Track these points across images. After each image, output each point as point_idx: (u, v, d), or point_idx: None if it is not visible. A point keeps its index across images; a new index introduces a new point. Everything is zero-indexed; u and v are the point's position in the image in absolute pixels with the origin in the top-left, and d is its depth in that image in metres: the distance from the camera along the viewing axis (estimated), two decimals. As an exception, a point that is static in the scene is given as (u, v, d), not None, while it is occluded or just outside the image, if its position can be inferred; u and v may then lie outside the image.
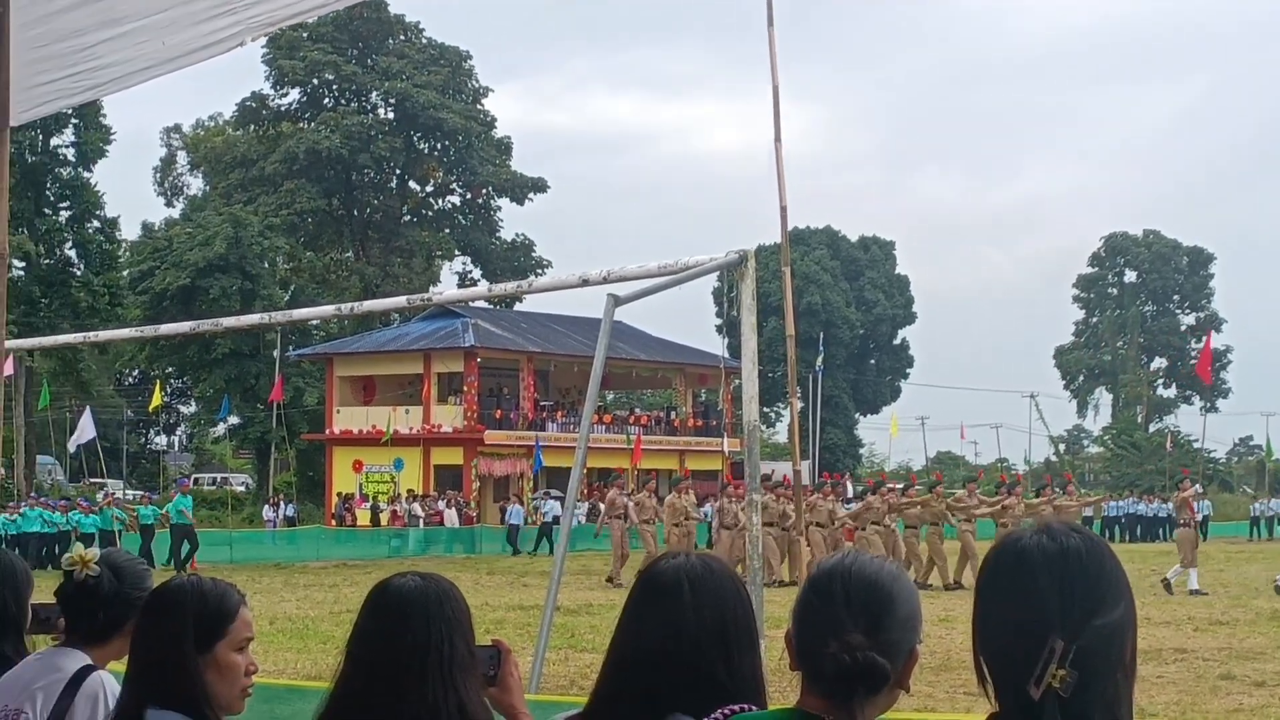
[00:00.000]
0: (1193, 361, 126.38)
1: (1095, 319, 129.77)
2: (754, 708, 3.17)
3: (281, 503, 63.60)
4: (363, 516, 64.61)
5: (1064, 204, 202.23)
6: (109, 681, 4.72)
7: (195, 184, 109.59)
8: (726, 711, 3.12)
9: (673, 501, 38.12)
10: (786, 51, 14.04)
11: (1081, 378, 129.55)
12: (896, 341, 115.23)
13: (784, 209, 14.15)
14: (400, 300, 25.22)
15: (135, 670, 4.14)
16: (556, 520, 54.19)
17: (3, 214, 6.28)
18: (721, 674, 3.30)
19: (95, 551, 4.87)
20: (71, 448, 52.11)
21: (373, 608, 3.77)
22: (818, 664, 2.96)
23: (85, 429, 49.63)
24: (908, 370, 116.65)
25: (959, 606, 25.10)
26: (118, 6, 6.36)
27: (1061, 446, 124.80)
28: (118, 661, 4.98)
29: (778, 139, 14.02)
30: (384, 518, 62.12)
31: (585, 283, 15.82)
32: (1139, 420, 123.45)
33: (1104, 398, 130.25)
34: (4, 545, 38.54)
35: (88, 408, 51.88)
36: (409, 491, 62.67)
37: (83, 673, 4.72)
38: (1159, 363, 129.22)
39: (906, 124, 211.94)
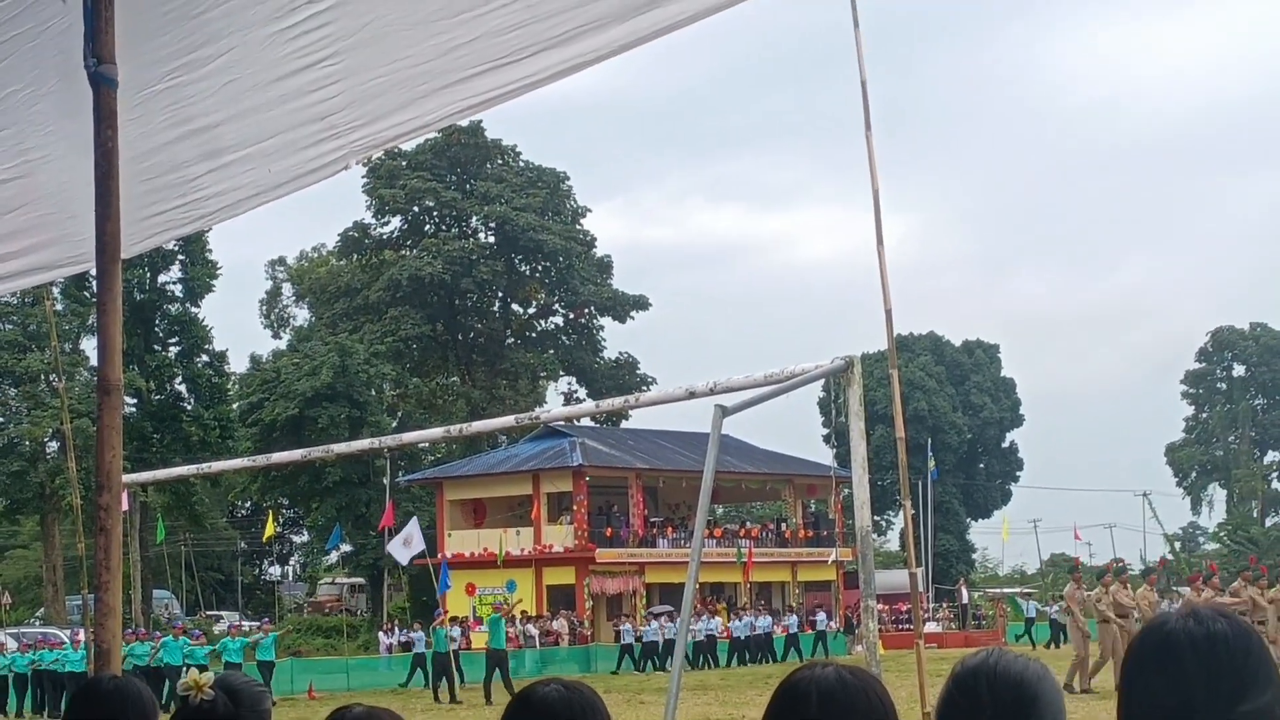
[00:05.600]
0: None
1: (1205, 414, 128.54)
2: None
3: (395, 628, 63.57)
4: (479, 639, 64.56)
5: (1168, 296, 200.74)
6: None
7: (301, 314, 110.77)
8: None
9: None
10: (884, 158, 13.99)
11: (1194, 474, 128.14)
12: (1005, 444, 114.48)
13: (889, 312, 14.07)
14: (508, 420, 25.33)
15: None
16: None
17: (117, 344, 6.32)
18: None
19: (210, 675, 4.86)
20: (404, 560, 48.16)
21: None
22: (965, 763, 2.91)
23: (415, 540, 44.35)
24: (1018, 473, 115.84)
25: (1080, 709, 24.77)
26: (222, 136, 6.46)
27: (1177, 544, 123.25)
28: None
29: (880, 242, 13.97)
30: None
31: (692, 395, 15.83)
32: (1255, 515, 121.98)
33: (1218, 493, 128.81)
34: (145, 676, 38.72)
35: (414, 518, 47.71)
36: (523, 613, 62.60)
37: (205, 800, 4.69)
38: (1272, 456, 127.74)
39: (1003, 224, 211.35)
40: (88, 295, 70.73)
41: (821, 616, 65.62)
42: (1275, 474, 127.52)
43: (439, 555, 73.53)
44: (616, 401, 21.11)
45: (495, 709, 33.97)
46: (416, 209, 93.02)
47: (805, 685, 3.38)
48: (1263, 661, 2.73)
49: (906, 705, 19.55)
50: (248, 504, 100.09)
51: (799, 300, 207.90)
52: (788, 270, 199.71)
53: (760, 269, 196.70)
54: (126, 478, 22.65)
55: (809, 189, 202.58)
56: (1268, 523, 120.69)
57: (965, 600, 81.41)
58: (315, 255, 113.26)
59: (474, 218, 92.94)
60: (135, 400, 77.06)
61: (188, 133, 6.45)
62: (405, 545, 44.67)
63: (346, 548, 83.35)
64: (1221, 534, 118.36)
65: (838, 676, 3.39)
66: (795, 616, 66.29)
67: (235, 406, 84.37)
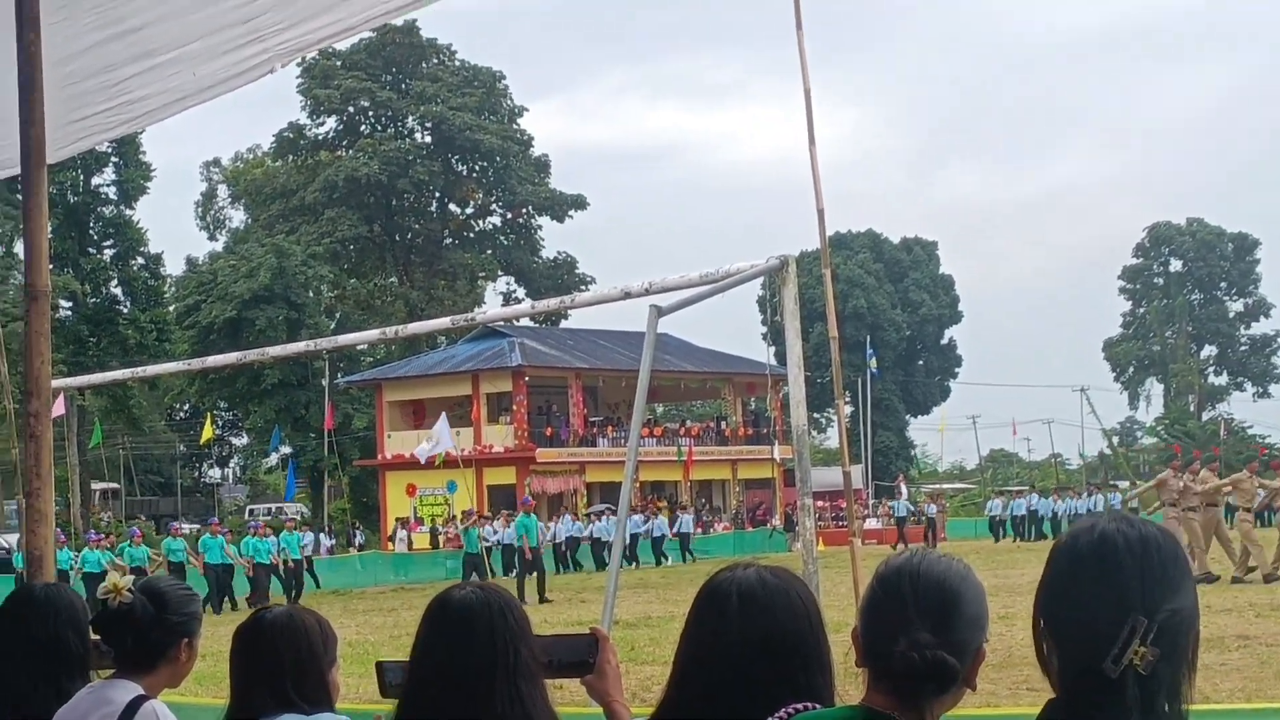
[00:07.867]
0: (1243, 349, 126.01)
1: (1143, 310, 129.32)
2: (818, 706, 3.16)
3: (331, 531, 63.64)
4: (420, 540, 64.66)
5: (1105, 192, 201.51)
6: (161, 710, 4.71)
7: (237, 216, 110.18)
8: (790, 710, 3.12)
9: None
10: (821, 57, 14.00)
11: (1132, 369, 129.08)
12: (944, 341, 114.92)
13: (821, 211, 14.07)
14: (445, 321, 25.23)
15: (263, 684, 4.34)
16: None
17: (43, 250, 6.28)
18: (772, 685, 3.29)
19: (129, 579, 4.86)
20: (423, 458, 47.02)
21: (435, 621, 3.75)
22: (885, 662, 2.96)
23: (442, 437, 43.20)
24: (956, 370, 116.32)
25: (1019, 603, 24.95)
26: (148, 39, 6.39)
27: (1115, 439, 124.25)
28: (171, 689, 4.96)
29: (812, 142, 13.96)
30: (441, 540, 62.19)
31: (627, 295, 15.79)
32: (1191, 409, 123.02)
33: (1155, 388, 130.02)
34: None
35: (443, 414, 46.47)
36: (463, 513, 62.63)
37: (135, 704, 4.69)
38: (1209, 350, 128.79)
39: (943, 122, 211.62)
40: (19, 199, 70.25)
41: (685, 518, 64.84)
42: (1211, 368, 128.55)
43: (379, 456, 73.66)
44: (553, 302, 21.04)
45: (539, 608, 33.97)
46: (352, 109, 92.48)
47: (726, 585, 3.46)
48: (1184, 566, 2.82)
49: (845, 600, 19.70)
50: (186, 407, 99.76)
51: (740, 199, 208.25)
52: (730, 169, 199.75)
53: (702, 168, 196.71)
54: (62, 382, 22.54)
55: (747, 88, 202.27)
56: (1204, 416, 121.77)
57: (905, 496, 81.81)
58: (251, 156, 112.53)
59: (410, 118, 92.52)
60: (71, 304, 76.63)
61: (115, 35, 6.38)
62: (429, 443, 44.08)
63: (286, 449, 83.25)
64: (1159, 428, 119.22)
65: (758, 577, 3.46)
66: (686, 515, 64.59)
67: (172, 309, 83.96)
